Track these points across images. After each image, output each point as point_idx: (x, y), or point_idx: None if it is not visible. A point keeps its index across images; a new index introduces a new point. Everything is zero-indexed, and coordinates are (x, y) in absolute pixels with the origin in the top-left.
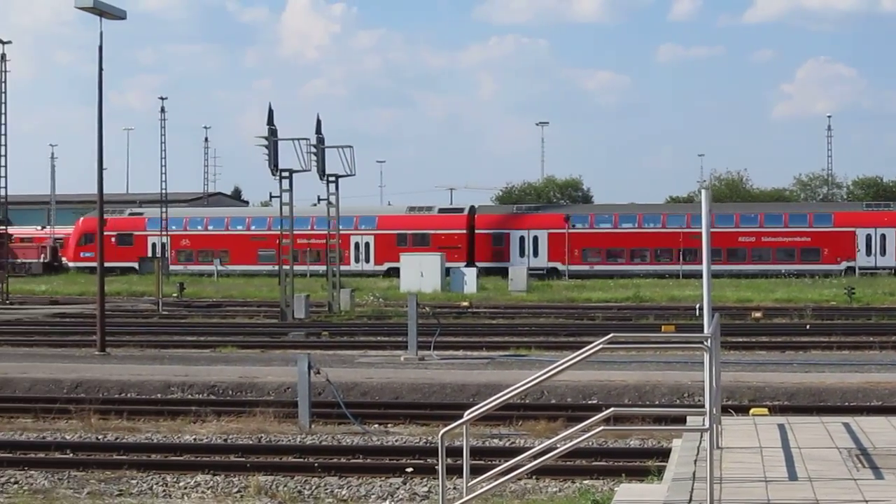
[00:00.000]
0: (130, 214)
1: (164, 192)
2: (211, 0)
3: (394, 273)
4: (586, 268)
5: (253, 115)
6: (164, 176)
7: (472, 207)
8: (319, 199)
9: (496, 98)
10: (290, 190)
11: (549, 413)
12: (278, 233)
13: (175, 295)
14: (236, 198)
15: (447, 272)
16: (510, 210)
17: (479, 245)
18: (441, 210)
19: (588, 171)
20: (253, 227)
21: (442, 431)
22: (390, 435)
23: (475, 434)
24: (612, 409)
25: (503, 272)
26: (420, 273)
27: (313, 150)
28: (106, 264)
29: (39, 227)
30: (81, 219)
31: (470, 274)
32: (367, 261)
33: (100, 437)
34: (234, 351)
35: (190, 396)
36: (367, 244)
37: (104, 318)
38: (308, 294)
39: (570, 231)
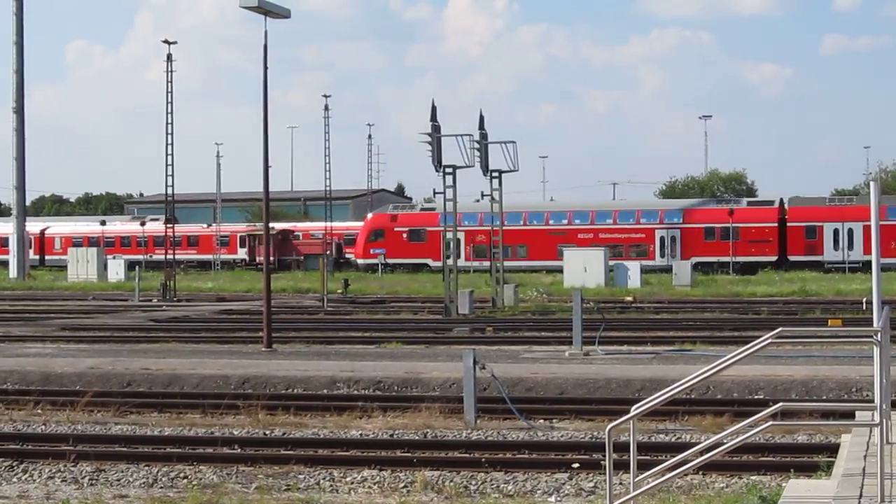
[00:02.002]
0: (422, 210)
1: (328, 189)
2: None
3: (702, 268)
4: None
5: (415, 112)
6: (328, 173)
7: (782, 199)
8: (483, 195)
9: (658, 92)
10: (454, 186)
11: (716, 408)
12: (578, 227)
13: (339, 291)
14: (400, 194)
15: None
16: (822, 202)
17: (791, 238)
18: (749, 203)
19: (752, 165)
20: (551, 222)
21: (609, 426)
22: (556, 430)
23: (641, 429)
24: (780, 403)
25: (816, 266)
26: (584, 268)
27: (476, 145)
28: (397, 261)
29: (206, 225)
30: (371, 214)
31: (633, 268)
32: (673, 255)
33: (267, 432)
34: (399, 346)
35: (356, 392)
36: (672, 238)
37: (270, 315)
38: (472, 290)
39: (888, 223)
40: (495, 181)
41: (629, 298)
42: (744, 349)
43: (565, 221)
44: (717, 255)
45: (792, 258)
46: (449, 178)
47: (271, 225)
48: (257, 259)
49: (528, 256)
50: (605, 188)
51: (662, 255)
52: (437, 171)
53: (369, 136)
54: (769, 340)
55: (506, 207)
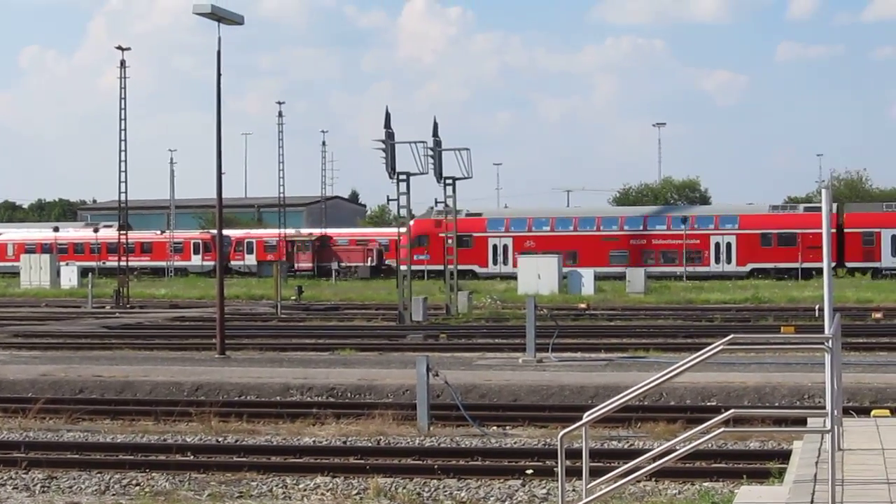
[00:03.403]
0: (468, 215)
1: (282, 196)
2: (329, 5)
3: (758, 274)
4: None
5: (370, 119)
6: (282, 180)
7: (839, 205)
8: (437, 202)
9: (612, 99)
10: (408, 193)
11: (669, 415)
12: (630, 233)
13: (293, 298)
14: (354, 201)
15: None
16: (879, 207)
17: (849, 245)
18: (807, 208)
19: (705, 172)
20: (603, 228)
21: (561, 433)
22: (509, 437)
23: (594, 436)
24: (732, 410)
25: (874, 272)
26: (537, 275)
27: (430, 152)
28: (442, 268)
29: (160, 232)
30: (413, 220)
31: (587, 275)
32: (729, 261)
33: (220, 439)
34: (353, 353)
35: (309, 399)
36: (728, 244)
37: (224, 322)
38: (426, 297)
39: None
40: (449, 188)
41: (583, 305)
42: (696, 356)
43: (616, 227)
44: (774, 262)
45: (849, 265)
46: (403, 185)
47: (315, 231)
48: (296, 266)
49: (579, 263)
50: (559, 195)
51: (717, 262)
52: (390, 178)
53: (323, 143)
54: (721, 347)
55: (556, 213)
